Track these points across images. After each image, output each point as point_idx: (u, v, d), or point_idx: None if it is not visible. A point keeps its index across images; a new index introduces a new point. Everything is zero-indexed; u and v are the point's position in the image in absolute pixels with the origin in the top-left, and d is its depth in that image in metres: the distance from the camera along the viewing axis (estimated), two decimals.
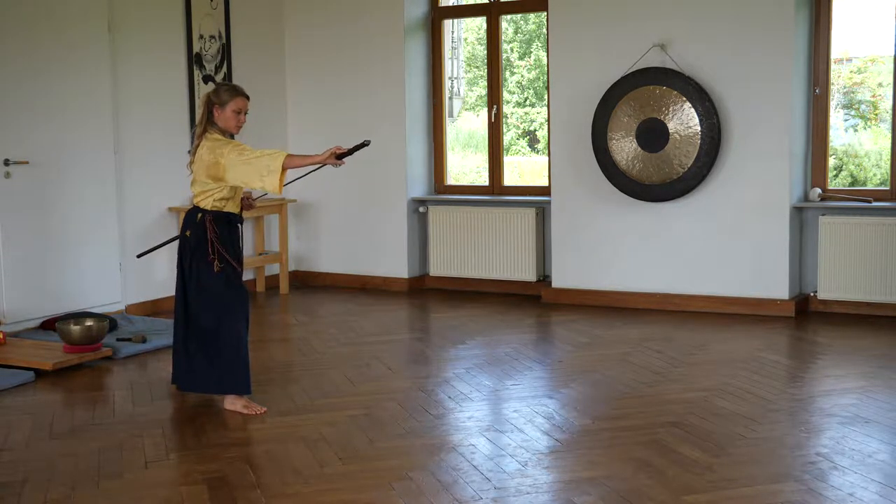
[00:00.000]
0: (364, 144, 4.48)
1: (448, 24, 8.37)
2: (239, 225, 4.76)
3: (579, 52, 7.08)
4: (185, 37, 7.31)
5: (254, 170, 4.39)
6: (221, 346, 4.59)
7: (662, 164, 6.76)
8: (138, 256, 5.45)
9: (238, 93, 4.59)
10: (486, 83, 7.97)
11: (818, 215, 6.64)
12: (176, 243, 4.83)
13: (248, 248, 7.63)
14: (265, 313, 7.09)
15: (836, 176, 7.04)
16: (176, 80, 7.28)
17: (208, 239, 4.57)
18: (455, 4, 8.35)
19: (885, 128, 6.97)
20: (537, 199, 7.56)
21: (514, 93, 8.82)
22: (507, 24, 8.47)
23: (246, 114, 4.62)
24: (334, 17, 8.08)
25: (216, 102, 4.57)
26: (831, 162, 6.91)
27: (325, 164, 4.46)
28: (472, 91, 8.98)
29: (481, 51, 8.42)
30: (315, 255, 8.37)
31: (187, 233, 4.62)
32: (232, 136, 4.66)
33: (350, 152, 4.46)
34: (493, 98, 7.85)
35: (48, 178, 6.38)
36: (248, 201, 4.79)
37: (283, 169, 4.36)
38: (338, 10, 8.07)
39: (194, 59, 7.38)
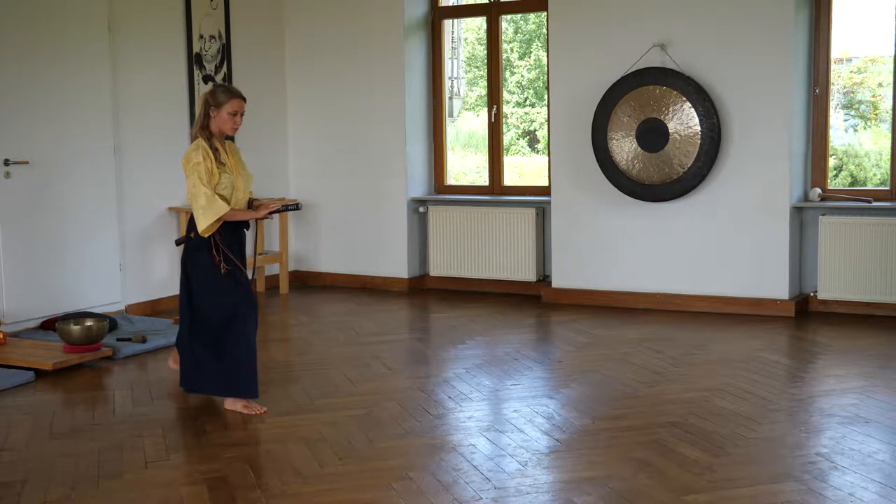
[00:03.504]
0: (297, 208, 4.88)
1: (448, 24, 8.37)
2: (244, 229, 4.75)
3: (579, 52, 7.08)
4: (185, 37, 7.31)
5: (197, 202, 4.48)
6: (230, 348, 4.56)
7: (662, 164, 6.76)
8: (177, 244, 5.17)
9: (234, 95, 4.60)
10: (486, 83, 7.97)
11: (818, 215, 6.64)
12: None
13: (248, 247, 7.63)
14: (265, 313, 7.09)
15: (836, 176, 7.04)
16: (176, 80, 7.28)
17: (212, 241, 4.56)
18: (455, 4, 8.35)
19: (885, 128, 6.97)
20: (537, 199, 7.56)
21: (514, 93, 8.82)
22: (507, 24, 8.47)
23: (242, 115, 4.65)
24: (334, 17, 8.08)
25: (212, 104, 4.58)
26: (831, 162, 6.91)
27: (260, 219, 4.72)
28: (472, 91, 8.98)
29: (481, 51, 8.42)
30: (315, 255, 8.37)
31: (192, 234, 4.60)
32: (232, 139, 4.66)
33: (279, 211, 4.75)
34: (493, 98, 7.85)
35: (48, 178, 6.38)
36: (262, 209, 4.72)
37: (220, 219, 4.50)
38: (338, 10, 8.07)
39: (194, 59, 7.38)
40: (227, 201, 4.57)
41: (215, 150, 4.58)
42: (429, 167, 8.14)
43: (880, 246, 6.40)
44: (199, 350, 4.62)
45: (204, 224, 4.48)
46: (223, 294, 4.58)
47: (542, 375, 5.24)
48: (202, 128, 4.60)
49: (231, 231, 4.63)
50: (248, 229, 4.79)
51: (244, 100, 4.66)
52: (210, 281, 4.58)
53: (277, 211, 4.71)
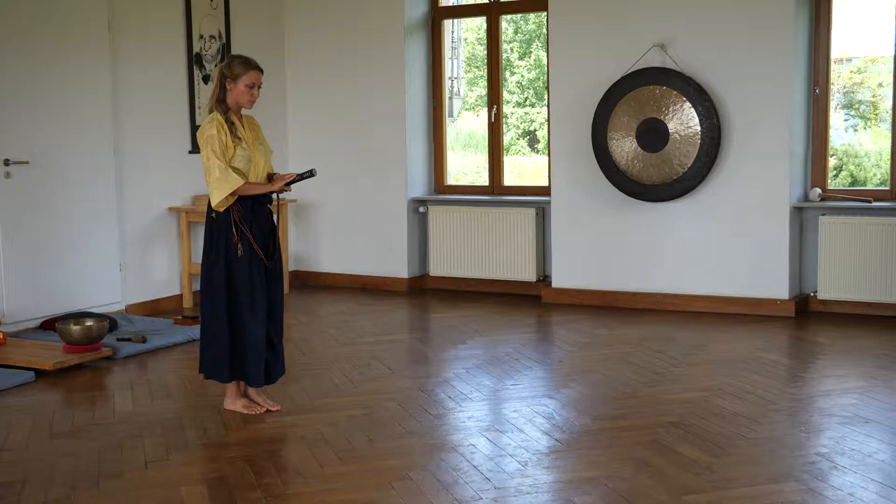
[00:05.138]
0: (311, 174, 4.62)
1: (448, 24, 8.37)
2: (268, 206, 4.60)
3: (579, 52, 7.08)
4: (185, 37, 7.31)
5: (210, 175, 4.37)
6: (235, 335, 4.48)
7: (662, 164, 6.76)
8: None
9: (251, 66, 4.47)
10: (486, 83, 7.97)
11: (818, 215, 6.64)
12: None
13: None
14: None
15: (836, 176, 7.04)
16: (176, 80, 7.28)
17: (230, 217, 4.44)
18: (455, 4, 8.35)
19: (885, 128, 6.97)
20: (537, 199, 7.56)
21: (514, 93, 8.82)
22: (507, 24, 8.47)
23: (260, 88, 4.51)
24: (334, 17, 8.08)
25: (228, 76, 4.45)
26: (831, 162, 6.91)
27: (279, 191, 4.55)
28: (472, 91, 8.98)
29: (481, 51, 8.42)
30: (315, 255, 8.37)
31: (213, 214, 4.47)
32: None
33: (295, 180, 4.58)
34: (493, 98, 7.85)
35: (48, 178, 6.38)
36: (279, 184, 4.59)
37: (234, 192, 4.38)
38: (338, 10, 8.07)
39: (194, 59, 7.38)
40: (245, 176, 4.44)
41: (231, 124, 4.45)
42: (429, 167, 8.14)
43: (880, 246, 6.40)
44: (209, 334, 4.50)
45: (217, 198, 4.37)
46: (232, 277, 4.44)
47: (542, 375, 5.24)
48: (218, 101, 4.47)
49: (251, 208, 4.48)
50: (270, 204, 4.64)
51: (261, 71, 4.52)
52: (224, 262, 4.44)
53: (294, 181, 4.56)
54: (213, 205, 4.43)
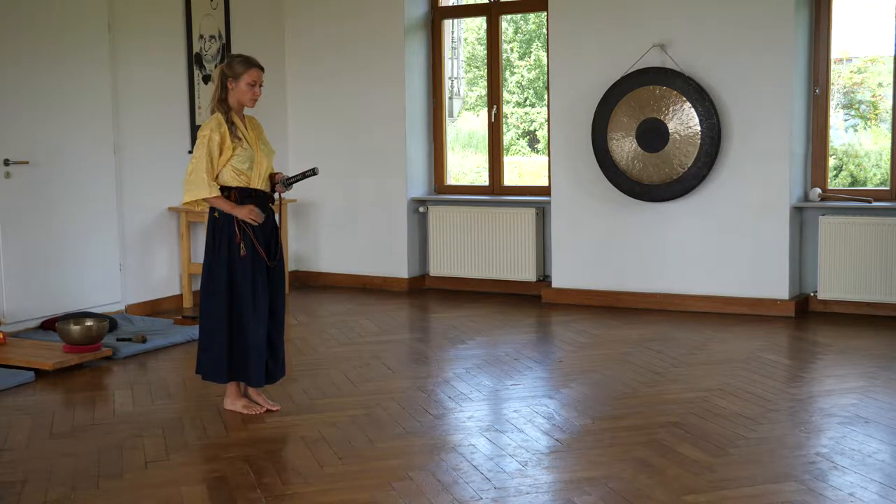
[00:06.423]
0: (314, 173, 4.62)
1: (448, 24, 8.38)
2: (270, 205, 4.59)
3: (579, 52, 7.08)
4: (185, 37, 7.31)
5: (187, 175, 4.42)
6: (235, 336, 4.48)
7: (662, 164, 6.76)
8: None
9: (252, 64, 4.47)
10: (486, 83, 7.97)
11: (818, 215, 6.64)
12: None
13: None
14: None
15: (836, 176, 7.04)
16: (176, 80, 7.28)
17: (235, 219, 4.43)
18: (455, 4, 8.35)
19: (885, 128, 6.97)
20: (537, 199, 7.56)
21: (514, 93, 8.82)
22: (507, 24, 8.47)
23: (261, 86, 4.51)
24: (334, 17, 8.08)
25: (230, 76, 4.46)
26: (831, 162, 6.92)
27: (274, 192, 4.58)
28: (472, 91, 8.98)
29: (481, 51, 8.42)
30: (315, 255, 8.37)
31: (216, 213, 4.47)
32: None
33: (297, 179, 4.58)
34: (493, 98, 7.85)
35: (48, 178, 6.38)
36: (277, 184, 4.62)
37: (207, 202, 4.43)
38: (338, 10, 8.07)
39: (194, 59, 7.38)
40: (247, 175, 4.45)
41: (231, 124, 4.44)
42: (429, 167, 8.14)
43: (880, 246, 6.40)
44: (209, 335, 4.50)
45: (187, 198, 4.42)
46: (233, 278, 4.44)
47: (542, 375, 5.24)
48: (220, 101, 4.47)
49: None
50: (272, 203, 4.62)
51: (262, 69, 4.51)
52: (226, 262, 4.44)
53: (296, 180, 4.55)
54: (182, 202, 4.44)
